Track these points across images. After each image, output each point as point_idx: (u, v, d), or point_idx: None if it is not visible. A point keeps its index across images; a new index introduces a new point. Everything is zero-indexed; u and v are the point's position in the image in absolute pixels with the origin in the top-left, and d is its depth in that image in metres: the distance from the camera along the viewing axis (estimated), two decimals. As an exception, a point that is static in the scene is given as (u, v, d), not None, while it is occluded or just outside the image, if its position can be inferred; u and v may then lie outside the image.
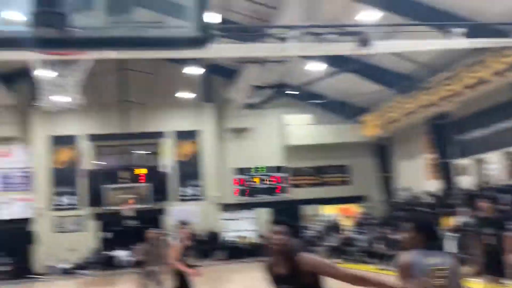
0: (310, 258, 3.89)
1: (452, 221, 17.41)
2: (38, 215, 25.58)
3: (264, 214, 27.68)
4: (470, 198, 19.39)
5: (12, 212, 25.60)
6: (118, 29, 3.51)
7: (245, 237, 27.28)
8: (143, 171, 26.47)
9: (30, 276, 23.97)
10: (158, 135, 27.47)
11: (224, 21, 19.89)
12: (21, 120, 26.07)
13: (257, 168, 28.43)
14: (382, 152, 27.98)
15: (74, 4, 3.25)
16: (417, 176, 25.31)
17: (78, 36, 3.09)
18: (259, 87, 23.42)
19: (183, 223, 9.21)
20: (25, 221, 25.40)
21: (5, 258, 24.32)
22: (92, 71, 20.49)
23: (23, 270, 24.11)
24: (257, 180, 28.43)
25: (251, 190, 28.26)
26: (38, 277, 23.99)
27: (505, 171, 19.85)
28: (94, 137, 26.82)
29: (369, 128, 26.54)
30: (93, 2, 3.39)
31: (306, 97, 27.11)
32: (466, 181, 21.58)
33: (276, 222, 4.09)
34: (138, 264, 11.83)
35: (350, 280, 3.87)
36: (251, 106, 26.05)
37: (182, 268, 8.34)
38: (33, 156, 26.04)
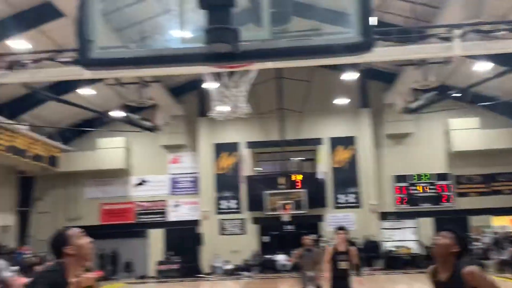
0: (476, 271, 3.73)
1: None
2: (204, 217, 27.33)
3: (427, 224, 26.46)
4: None
5: (181, 215, 27.77)
6: (281, 40, 3.63)
7: (405, 247, 26.32)
8: (300, 177, 26.92)
9: (197, 275, 25.68)
10: (315, 141, 27.74)
11: (380, 23, 19.51)
12: (189, 129, 28.15)
13: (420, 175, 27.27)
14: None
15: (241, 19, 3.44)
16: None
17: (246, 49, 3.26)
18: (419, 90, 22.49)
19: (340, 228, 9.20)
20: (193, 223, 27.32)
21: (175, 257, 26.43)
22: (252, 81, 21.56)
23: (190, 269, 25.94)
24: (419, 188, 27.26)
25: (413, 199, 27.16)
26: (204, 277, 25.61)
27: None
28: (253, 144, 27.97)
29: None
30: (258, 16, 3.54)
31: (472, 99, 25.34)
32: None
33: (443, 229, 4.03)
34: (296, 268, 12.10)
35: None
36: (411, 111, 25.05)
37: (325, 271, 8.73)
38: (199, 163, 27.95)
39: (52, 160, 24.78)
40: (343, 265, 8.63)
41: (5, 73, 14.25)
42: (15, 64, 14.10)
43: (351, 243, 9.73)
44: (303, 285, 10.72)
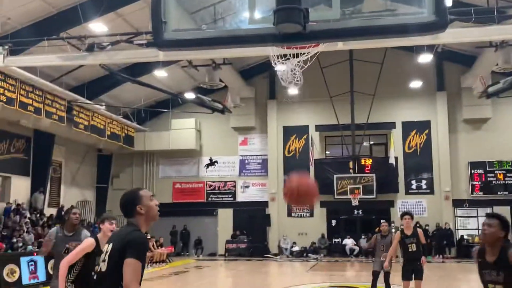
0: None
1: None
2: (271, 199, 27.63)
3: (504, 213, 25.31)
4: None
5: (249, 195, 28.21)
6: (351, 20, 3.62)
7: (479, 236, 25.38)
8: (370, 161, 26.58)
9: (264, 255, 26.08)
10: (386, 125, 27.19)
11: (458, 3, 18.70)
12: (259, 111, 28.40)
13: (501, 162, 26.09)
14: None
15: (311, 0, 3.46)
16: None
17: (315, 30, 3.29)
18: (499, 74, 21.47)
19: (405, 214, 9.55)
20: (261, 204, 27.69)
21: (243, 237, 26.94)
22: (321, 64, 21.36)
23: (258, 249, 26.39)
24: (500, 175, 26.11)
25: (489, 186, 26.09)
26: (271, 257, 25.96)
27: None
28: (323, 128, 27.83)
29: None
30: (328, -4, 3.53)
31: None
32: None
33: (488, 215, 4.37)
34: (368, 253, 12.26)
35: None
36: (490, 95, 23.90)
37: (390, 254, 9.62)
38: (268, 145, 28.18)
39: (128, 139, 25.82)
40: (412, 247, 9.18)
41: (85, 55, 14.93)
42: (93, 46, 14.72)
43: (418, 226, 9.89)
44: (375, 269, 10.78)
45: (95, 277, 3.40)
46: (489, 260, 4.29)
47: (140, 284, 3.24)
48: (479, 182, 26.17)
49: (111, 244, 3.37)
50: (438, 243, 25.05)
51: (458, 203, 26.28)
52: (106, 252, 3.37)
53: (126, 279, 3.14)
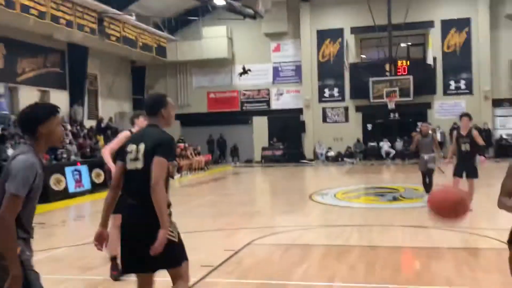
0: None
1: None
2: (306, 106, 27.60)
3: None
4: None
5: (284, 103, 28.20)
6: None
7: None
8: (407, 63, 25.95)
9: (301, 161, 26.50)
10: (424, 25, 26.18)
11: None
12: (291, 16, 27.64)
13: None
14: None
15: None
16: None
17: None
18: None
19: (464, 115, 9.88)
20: (295, 111, 27.74)
21: (279, 144, 27.32)
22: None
23: (293, 155, 26.78)
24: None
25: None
26: (307, 162, 26.39)
27: None
28: (358, 30, 27.03)
29: None
30: None
31: None
32: None
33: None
34: (404, 155, 12.60)
35: None
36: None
37: (451, 154, 9.98)
38: (302, 50, 27.69)
39: (160, 50, 25.75)
40: (466, 147, 9.45)
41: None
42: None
43: (475, 127, 10.14)
44: (421, 168, 11.12)
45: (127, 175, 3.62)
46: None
47: (167, 180, 3.57)
48: (522, 80, 25.38)
49: (143, 144, 3.55)
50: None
51: (497, 103, 25.72)
52: (138, 151, 3.55)
53: (155, 175, 3.40)
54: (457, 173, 9.50)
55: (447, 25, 26.02)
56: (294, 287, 5.48)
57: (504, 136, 25.62)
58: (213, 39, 27.56)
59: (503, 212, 3.38)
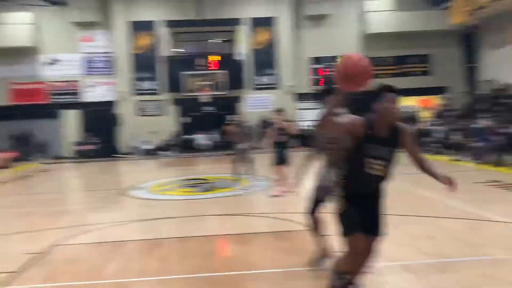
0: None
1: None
2: (121, 98, 26.90)
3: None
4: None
5: (97, 95, 27.09)
6: None
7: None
8: (218, 58, 26.78)
9: (115, 155, 25.78)
10: (234, 22, 27.22)
11: None
12: (102, 5, 26.63)
13: (337, 57, 27.82)
14: (468, 41, 26.38)
15: None
16: (504, 67, 23.94)
17: None
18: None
19: (279, 110, 10.92)
20: (109, 103, 26.87)
21: (93, 138, 26.22)
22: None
23: (108, 149, 25.94)
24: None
25: (330, 80, 27.91)
26: (123, 156, 25.77)
27: None
28: (171, 24, 27.06)
29: (456, 15, 24.91)
30: None
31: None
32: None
33: (393, 92, 4.18)
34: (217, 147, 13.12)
35: (418, 162, 4.18)
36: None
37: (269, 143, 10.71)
38: (114, 42, 26.88)
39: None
40: (281, 138, 10.37)
41: None
42: None
43: (285, 120, 10.94)
44: (237, 158, 11.66)
45: None
46: (381, 135, 4.03)
47: None
48: (319, 76, 27.89)
49: None
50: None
51: (300, 97, 27.89)
52: None
53: None
54: (276, 162, 10.35)
55: (255, 23, 27.41)
56: (104, 285, 5.32)
57: (305, 127, 27.88)
58: (15, 26, 25.33)
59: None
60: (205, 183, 12.95)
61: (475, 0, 22.82)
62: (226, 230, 7.75)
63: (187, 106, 27.14)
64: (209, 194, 11.42)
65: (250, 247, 6.55)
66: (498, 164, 14.04)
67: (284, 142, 10.45)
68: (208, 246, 6.89)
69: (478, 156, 15.12)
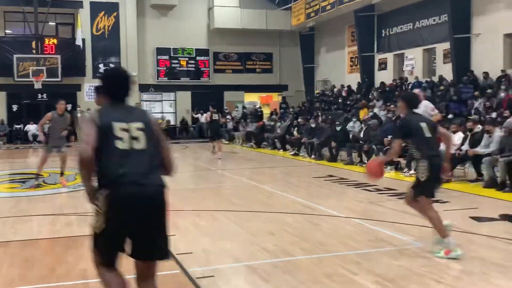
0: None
1: (366, 112, 17.80)
2: None
3: (185, 97, 27.37)
4: (387, 92, 19.88)
5: None
6: None
7: (163, 119, 26.63)
8: (54, 42, 24.72)
9: None
10: (74, 4, 25.33)
11: None
12: None
13: (184, 49, 27.32)
14: (307, 42, 27.68)
15: None
16: (338, 69, 25.49)
17: None
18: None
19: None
20: None
21: None
22: None
23: None
24: (183, 62, 27.44)
25: (174, 72, 27.33)
26: None
27: (422, 68, 20.31)
28: (1, 1, 24.36)
29: (296, 17, 25.96)
30: None
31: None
32: (385, 76, 21.96)
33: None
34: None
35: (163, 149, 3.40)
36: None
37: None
38: None
39: None
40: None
41: None
42: None
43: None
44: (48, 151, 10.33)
45: None
46: None
47: None
48: (165, 68, 27.20)
49: None
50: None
51: (144, 88, 26.96)
52: None
53: None
54: None
55: (97, 8, 25.84)
56: None
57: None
58: None
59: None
60: (35, 178, 11.61)
61: (313, 2, 23.92)
62: (54, 232, 6.84)
63: (18, 92, 24.73)
64: (38, 191, 10.22)
65: (81, 251, 5.78)
66: (331, 159, 14.74)
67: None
68: (31, 251, 5.94)
69: (314, 152, 15.73)
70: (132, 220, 3.08)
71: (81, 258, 5.48)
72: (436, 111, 10.50)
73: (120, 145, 3.14)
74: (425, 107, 9.25)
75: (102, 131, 3.13)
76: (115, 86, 3.41)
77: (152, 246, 3.18)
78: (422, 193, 5.42)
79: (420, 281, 4.54)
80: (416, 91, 12.03)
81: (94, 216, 3.19)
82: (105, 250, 3.22)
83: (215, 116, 16.75)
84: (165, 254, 3.27)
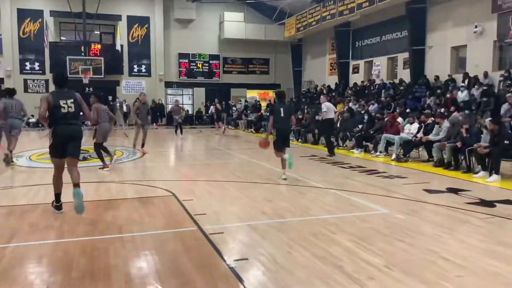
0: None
1: (342, 106, 17.64)
2: (7, 76, 23.31)
3: (201, 92, 27.14)
4: (359, 91, 19.68)
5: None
6: None
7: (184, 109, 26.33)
8: (99, 47, 24.41)
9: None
10: (114, 17, 25.00)
11: None
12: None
13: (200, 54, 27.03)
14: (297, 50, 27.36)
15: None
16: (320, 72, 25.25)
17: None
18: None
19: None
20: (-3, 80, 23.17)
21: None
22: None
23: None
24: (199, 64, 27.16)
25: (192, 72, 27.06)
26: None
27: (386, 72, 20.10)
28: (56, 14, 23.99)
29: (288, 29, 25.61)
30: None
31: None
32: (357, 78, 21.75)
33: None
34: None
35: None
36: (194, 0, 24.08)
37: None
38: (2, 25, 23.07)
39: None
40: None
41: None
42: None
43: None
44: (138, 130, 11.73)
45: None
46: None
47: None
48: (185, 69, 26.90)
49: None
50: (155, 113, 25.31)
51: (169, 85, 26.71)
52: None
53: None
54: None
55: (132, 21, 25.48)
56: None
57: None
58: None
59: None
60: (84, 152, 11.49)
61: (302, 19, 23.58)
62: (97, 196, 6.74)
63: (70, 86, 24.33)
64: (85, 163, 10.09)
65: (118, 212, 5.69)
66: (314, 143, 14.62)
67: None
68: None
69: (300, 137, 15.61)
70: (64, 139, 5.23)
71: (118, 217, 5.39)
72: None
73: (62, 110, 5.21)
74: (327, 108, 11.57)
75: (53, 104, 5.19)
76: (58, 80, 5.41)
77: (72, 151, 5.28)
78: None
79: (385, 240, 4.46)
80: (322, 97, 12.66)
81: (49, 139, 5.37)
82: (54, 153, 5.35)
83: (219, 106, 19.15)
84: (77, 155, 5.38)
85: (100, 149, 9.20)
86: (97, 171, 8.97)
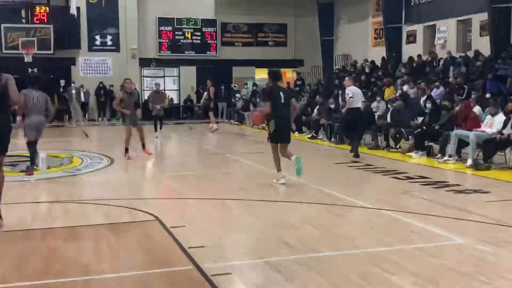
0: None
1: (392, 91, 17.60)
2: None
3: (190, 72, 27.30)
4: (415, 69, 19.65)
5: None
6: None
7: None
8: (46, 10, 24.65)
9: None
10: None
11: None
12: None
13: (189, 19, 27.12)
14: (326, 12, 27.30)
15: None
16: (360, 42, 25.22)
17: None
18: None
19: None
20: None
21: None
22: None
23: None
24: (188, 34, 27.28)
25: (178, 45, 27.18)
26: None
27: (456, 41, 20.04)
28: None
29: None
30: None
31: None
32: (413, 51, 21.71)
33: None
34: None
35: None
36: None
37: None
38: None
39: None
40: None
41: None
42: None
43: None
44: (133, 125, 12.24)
45: None
46: None
47: None
48: (167, 40, 27.04)
49: None
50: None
51: (145, 63, 26.85)
52: None
53: None
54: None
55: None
56: None
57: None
58: None
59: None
60: (27, 161, 11.57)
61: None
62: (49, 222, 6.78)
63: (5, 66, 24.45)
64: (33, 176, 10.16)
65: (83, 244, 5.72)
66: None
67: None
68: (24, 243, 5.87)
69: (333, 135, 15.57)
70: None
71: (84, 251, 5.40)
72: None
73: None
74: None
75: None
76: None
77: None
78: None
79: (464, 282, 4.41)
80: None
81: None
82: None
83: (212, 91, 19.22)
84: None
85: (33, 149, 9.92)
86: (48, 184, 9.06)
